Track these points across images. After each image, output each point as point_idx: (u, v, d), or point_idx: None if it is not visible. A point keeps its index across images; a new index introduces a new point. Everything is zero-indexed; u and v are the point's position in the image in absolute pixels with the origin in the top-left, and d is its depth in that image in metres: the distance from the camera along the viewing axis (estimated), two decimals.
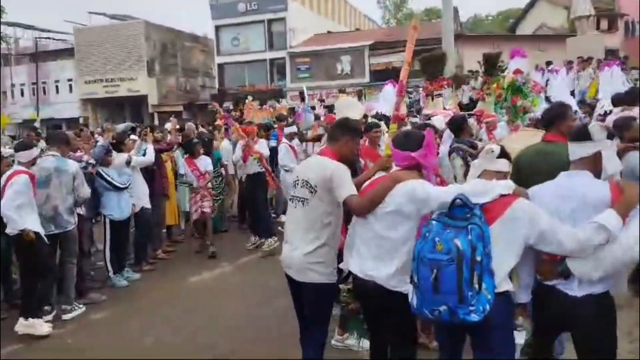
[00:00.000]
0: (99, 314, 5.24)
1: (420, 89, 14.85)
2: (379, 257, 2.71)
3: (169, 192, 7.27)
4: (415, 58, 18.15)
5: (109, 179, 5.75)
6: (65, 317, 5.03)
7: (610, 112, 8.15)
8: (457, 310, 2.17)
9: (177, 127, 8.29)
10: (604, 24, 28.09)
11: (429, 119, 8.82)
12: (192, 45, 35.73)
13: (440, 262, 2.19)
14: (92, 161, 5.65)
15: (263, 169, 6.88)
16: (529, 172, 3.06)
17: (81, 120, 30.51)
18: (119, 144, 6.35)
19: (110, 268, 5.94)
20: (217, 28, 32.69)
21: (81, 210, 5.45)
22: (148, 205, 6.50)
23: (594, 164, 2.45)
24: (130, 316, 5.18)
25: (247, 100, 13.58)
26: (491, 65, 13.82)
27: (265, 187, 7.32)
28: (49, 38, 37.49)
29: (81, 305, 5.23)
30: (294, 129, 8.49)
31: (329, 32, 33.67)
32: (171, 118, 11.79)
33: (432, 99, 11.74)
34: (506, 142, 3.97)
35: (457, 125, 5.11)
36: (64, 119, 32.17)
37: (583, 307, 2.36)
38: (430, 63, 17.25)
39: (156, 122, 28.26)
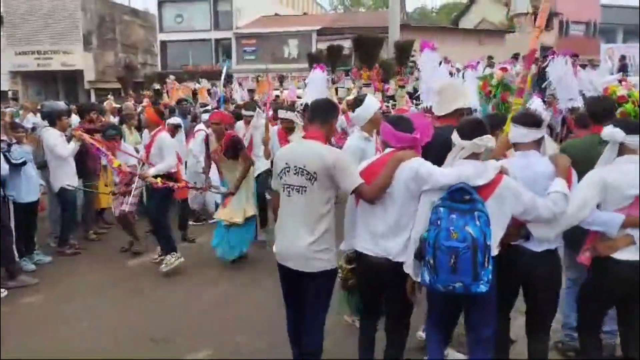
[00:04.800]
0: (31, 297, 4.96)
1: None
2: (390, 235, 2.85)
3: (100, 173, 6.90)
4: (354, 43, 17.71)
5: (7, 155, 5.32)
6: None
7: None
8: (471, 286, 2.49)
9: (114, 106, 7.94)
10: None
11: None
12: (131, 19, 34.23)
13: (457, 249, 2.46)
14: (4, 137, 5.31)
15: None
16: (582, 164, 3.02)
17: (10, 94, 28.63)
18: (52, 120, 6.09)
19: (15, 252, 5.49)
20: (160, 4, 31.57)
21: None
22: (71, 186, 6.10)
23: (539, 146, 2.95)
24: (65, 300, 4.93)
25: (168, 80, 13.09)
26: (403, 54, 13.66)
27: (165, 195, 5.69)
28: None
29: (3, 290, 4.94)
30: None
31: (276, 14, 33.25)
32: (109, 96, 11.31)
33: (358, 90, 11.17)
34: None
35: None
36: None
37: (542, 260, 2.84)
38: (364, 47, 16.25)
39: (92, 99, 27.00)
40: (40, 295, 5.03)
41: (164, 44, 31.90)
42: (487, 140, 2.71)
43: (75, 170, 6.20)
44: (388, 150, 2.97)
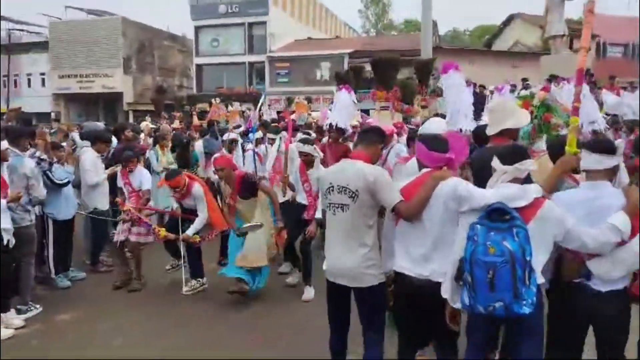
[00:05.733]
0: (65, 314, 5.05)
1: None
2: (431, 255, 2.82)
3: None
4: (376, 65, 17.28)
5: (50, 174, 5.51)
6: (20, 317, 4.80)
7: None
8: (512, 305, 2.37)
9: (150, 127, 8.13)
10: (577, 44, 28.84)
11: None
12: (170, 44, 35.41)
13: (495, 263, 2.37)
14: (44, 156, 5.51)
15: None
16: None
17: (53, 115, 29.83)
18: (93, 141, 6.35)
19: (52, 268, 5.71)
20: (197, 29, 32.50)
21: (37, 211, 5.27)
22: (103, 207, 6.27)
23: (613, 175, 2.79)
24: (98, 317, 5.00)
25: (214, 101, 13.28)
26: (424, 73, 13.23)
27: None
28: (22, 30, 36.62)
29: (38, 306, 5.04)
30: (259, 134, 7.77)
31: (309, 38, 33.77)
32: (146, 118, 11.58)
33: (379, 110, 11.09)
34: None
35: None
36: (35, 113, 31.39)
37: (606, 302, 2.65)
38: (381, 68, 15.85)
39: (131, 120, 27.85)
40: (74, 312, 5.12)
41: (199, 67, 32.74)
42: (529, 165, 2.65)
43: (107, 191, 6.35)
44: (425, 170, 2.95)
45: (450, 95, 6.27)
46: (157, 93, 28.31)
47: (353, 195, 2.97)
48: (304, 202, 5.47)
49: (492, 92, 14.88)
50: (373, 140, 3.19)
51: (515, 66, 24.32)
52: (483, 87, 14.35)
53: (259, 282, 5.34)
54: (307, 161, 5.53)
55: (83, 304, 5.31)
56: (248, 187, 5.29)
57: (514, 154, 2.67)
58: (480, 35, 46.90)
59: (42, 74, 33.42)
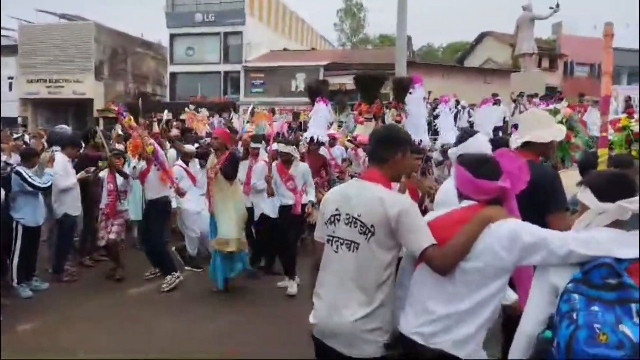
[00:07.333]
0: (26, 324, 4.88)
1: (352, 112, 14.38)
2: (453, 319, 2.01)
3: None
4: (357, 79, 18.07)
5: (29, 179, 5.37)
6: None
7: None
8: None
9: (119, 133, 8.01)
10: (545, 63, 29.87)
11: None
12: (143, 51, 34.96)
13: None
14: (10, 161, 5.36)
15: (162, 195, 5.93)
16: None
17: (20, 121, 29.01)
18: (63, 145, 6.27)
19: (14, 277, 5.52)
20: (172, 36, 32.28)
21: None
22: (74, 212, 6.13)
23: None
24: (61, 328, 4.84)
25: (187, 110, 13.18)
26: (401, 90, 13.78)
27: (163, 216, 6.16)
28: None
29: None
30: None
31: (285, 49, 33.90)
32: (116, 126, 11.37)
33: (362, 123, 11.49)
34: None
35: None
36: (1, 117, 30.56)
37: None
38: (367, 83, 16.60)
39: (101, 127, 27.35)
40: (37, 323, 4.95)
41: (174, 75, 32.46)
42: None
43: (79, 196, 6.21)
44: (466, 203, 2.18)
45: (413, 108, 6.70)
46: (141, 99, 27.85)
47: (367, 231, 2.19)
48: (291, 202, 5.82)
49: (464, 108, 15.19)
50: (384, 154, 2.32)
51: (487, 82, 24.91)
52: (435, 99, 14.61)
53: (242, 265, 5.79)
54: (286, 161, 5.87)
55: (45, 314, 5.14)
56: (232, 162, 5.51)
57: (618, 185, 1.87)
58: (453, 51, 47.84)
59: (10, 78, 32.54)
